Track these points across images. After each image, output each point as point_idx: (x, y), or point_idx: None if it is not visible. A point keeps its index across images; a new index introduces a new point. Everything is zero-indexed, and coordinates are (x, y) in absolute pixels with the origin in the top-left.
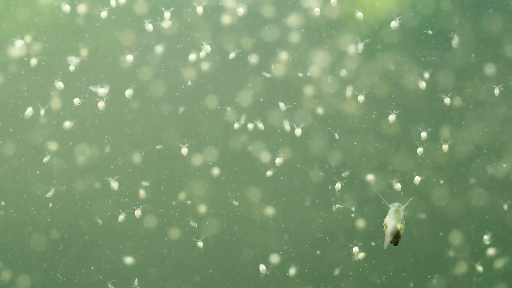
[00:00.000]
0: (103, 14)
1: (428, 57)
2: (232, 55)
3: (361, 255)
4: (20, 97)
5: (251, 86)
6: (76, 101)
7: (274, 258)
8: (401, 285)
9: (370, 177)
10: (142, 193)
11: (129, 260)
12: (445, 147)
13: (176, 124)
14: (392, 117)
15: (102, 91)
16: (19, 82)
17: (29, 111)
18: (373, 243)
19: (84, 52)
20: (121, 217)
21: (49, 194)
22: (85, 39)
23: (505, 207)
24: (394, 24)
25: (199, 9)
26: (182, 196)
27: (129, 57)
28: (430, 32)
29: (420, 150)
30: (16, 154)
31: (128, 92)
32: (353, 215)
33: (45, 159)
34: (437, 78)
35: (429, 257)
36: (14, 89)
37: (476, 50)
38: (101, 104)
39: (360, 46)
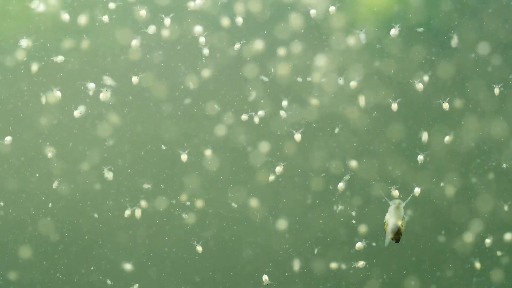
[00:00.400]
0: (105, 18)
1: (428, 56)
2: (237, 45)
3: (361, 263)
4: (20, 97)
5: (250, 88)
6: (77, 113)
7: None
8: (402, 283)
9: (355, 165)
10: (143, 203)
11: (129, 259)
12: (447, 138)
13: (176, 124)
14: (394, 105)
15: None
16: (19, 82)
17: (7, 139)
18: (373, 244)
19: (83, 53)
20: (128, 212)
21: (55, 185)
22: (85, 39)
23: (506, 207)
24: (393, 32)
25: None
26: (182, 195)
27: (143, 12)
28: (429, 34)
29: (420, 157)
30: (16, 154)
31: (135, 79)
32: (354, 221)
33: (49, 155)
34: (436, 78)
35: (430, 256)
36: (14, 89)
37: (476, 50)
38: (103, 95)
39: (362, 36)
